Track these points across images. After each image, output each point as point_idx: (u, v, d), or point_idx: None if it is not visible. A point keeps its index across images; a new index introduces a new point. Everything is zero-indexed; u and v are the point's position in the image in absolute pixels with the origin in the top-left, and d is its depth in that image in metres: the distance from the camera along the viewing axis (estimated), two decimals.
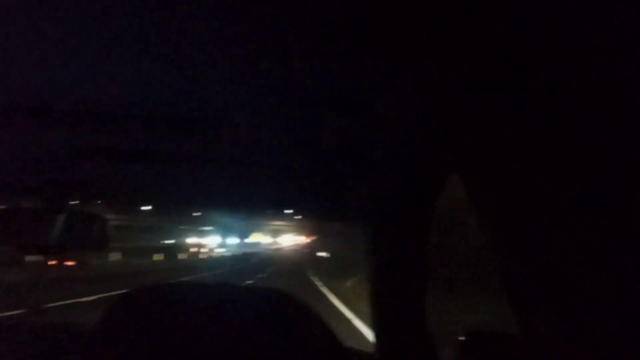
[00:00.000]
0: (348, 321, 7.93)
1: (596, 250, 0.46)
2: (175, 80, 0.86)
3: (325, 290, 14.40)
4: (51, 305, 8.30)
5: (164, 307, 0.86)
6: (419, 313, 1.17)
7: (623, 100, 0.46)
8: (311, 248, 44.78)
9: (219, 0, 0.60)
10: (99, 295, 9.44)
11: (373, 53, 0.71)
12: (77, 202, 1.61)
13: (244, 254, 40.25)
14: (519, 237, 0.58)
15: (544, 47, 0.52)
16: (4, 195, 1.55)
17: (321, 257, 34.31)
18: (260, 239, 58.54)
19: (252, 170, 1.47)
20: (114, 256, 21.44)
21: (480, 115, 0.64)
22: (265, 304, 0.87)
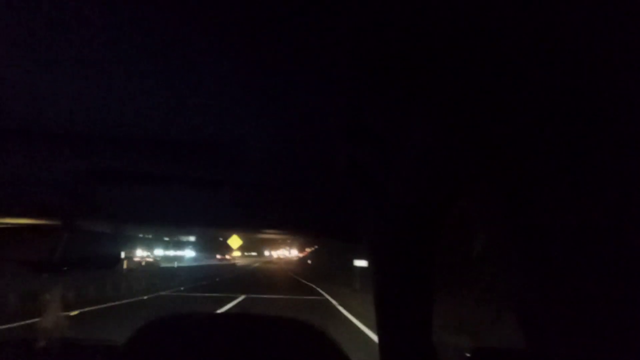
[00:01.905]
0: None
1: (603, 265, 0.48)
2: (182, 104, 0.88)
3: None
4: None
5: (184, 339, 0.87)
6: (425, 326, 1.20)
7: (627, 122, 0.48)
8: (313, 259, 38.32)
9: (229, 27, 0.62)
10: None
11: (381, 79, 0.73)
12: (87, 220, 1.62)
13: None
14: (526, 255, 0.60)
15: (546, 68, 0.55)
16: (11, 213, 1.56)
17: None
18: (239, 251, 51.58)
19: (247, 187, 1.49)
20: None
21: (487, 138, 0.68)
22: (285, 336, 0.89)
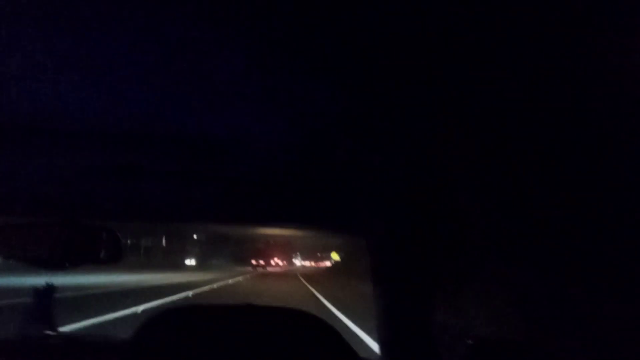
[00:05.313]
0: None
1: (600, 256, 0.49)
2: (180, 101, 0.88)
3: None
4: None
5: (190, 329, 0.87)
6: (424, 321, 1.22)
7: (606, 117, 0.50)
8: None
9: (231, 24, 0.62)
10: None
11: (381, 75, 0.74)
12: (89, 217, 1.61)
13: None
14: (524, 245, 0.62)
15: (531, 60, 0.57)
16: (9, 209, 1.55)
17: None
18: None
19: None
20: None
21: (481, 130, 0.69)
22: (289, 325, 0.90)
